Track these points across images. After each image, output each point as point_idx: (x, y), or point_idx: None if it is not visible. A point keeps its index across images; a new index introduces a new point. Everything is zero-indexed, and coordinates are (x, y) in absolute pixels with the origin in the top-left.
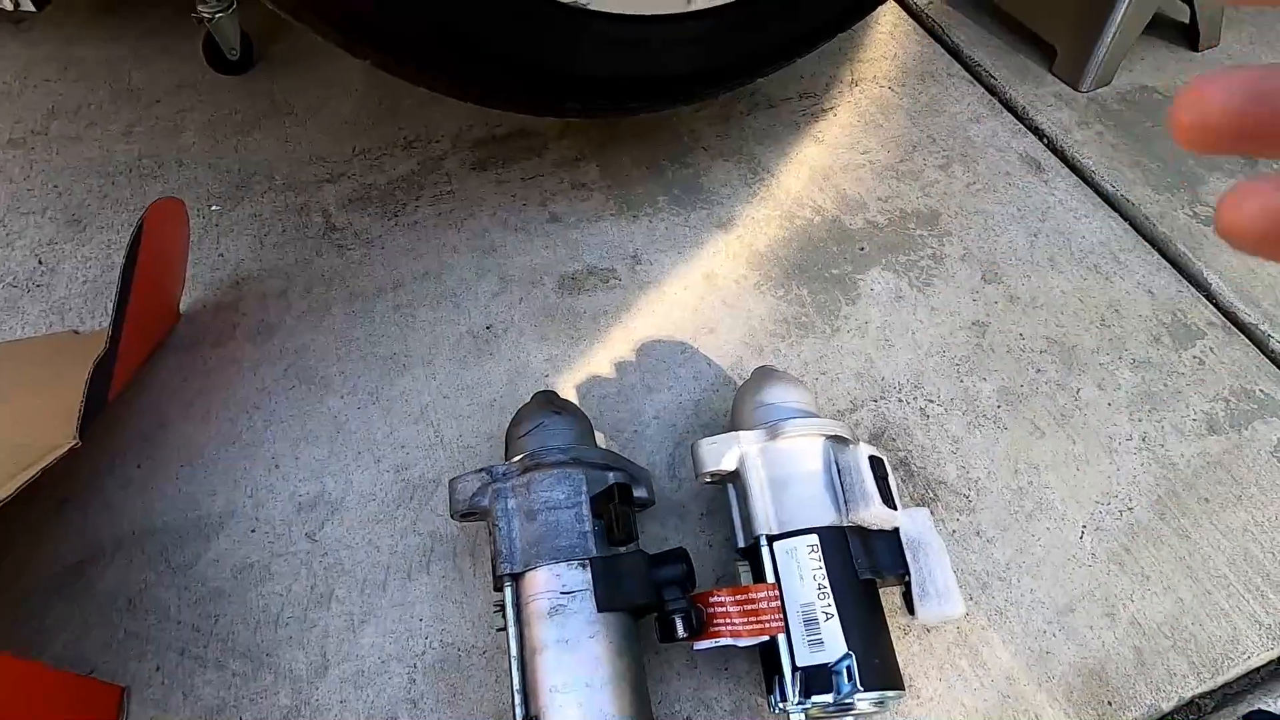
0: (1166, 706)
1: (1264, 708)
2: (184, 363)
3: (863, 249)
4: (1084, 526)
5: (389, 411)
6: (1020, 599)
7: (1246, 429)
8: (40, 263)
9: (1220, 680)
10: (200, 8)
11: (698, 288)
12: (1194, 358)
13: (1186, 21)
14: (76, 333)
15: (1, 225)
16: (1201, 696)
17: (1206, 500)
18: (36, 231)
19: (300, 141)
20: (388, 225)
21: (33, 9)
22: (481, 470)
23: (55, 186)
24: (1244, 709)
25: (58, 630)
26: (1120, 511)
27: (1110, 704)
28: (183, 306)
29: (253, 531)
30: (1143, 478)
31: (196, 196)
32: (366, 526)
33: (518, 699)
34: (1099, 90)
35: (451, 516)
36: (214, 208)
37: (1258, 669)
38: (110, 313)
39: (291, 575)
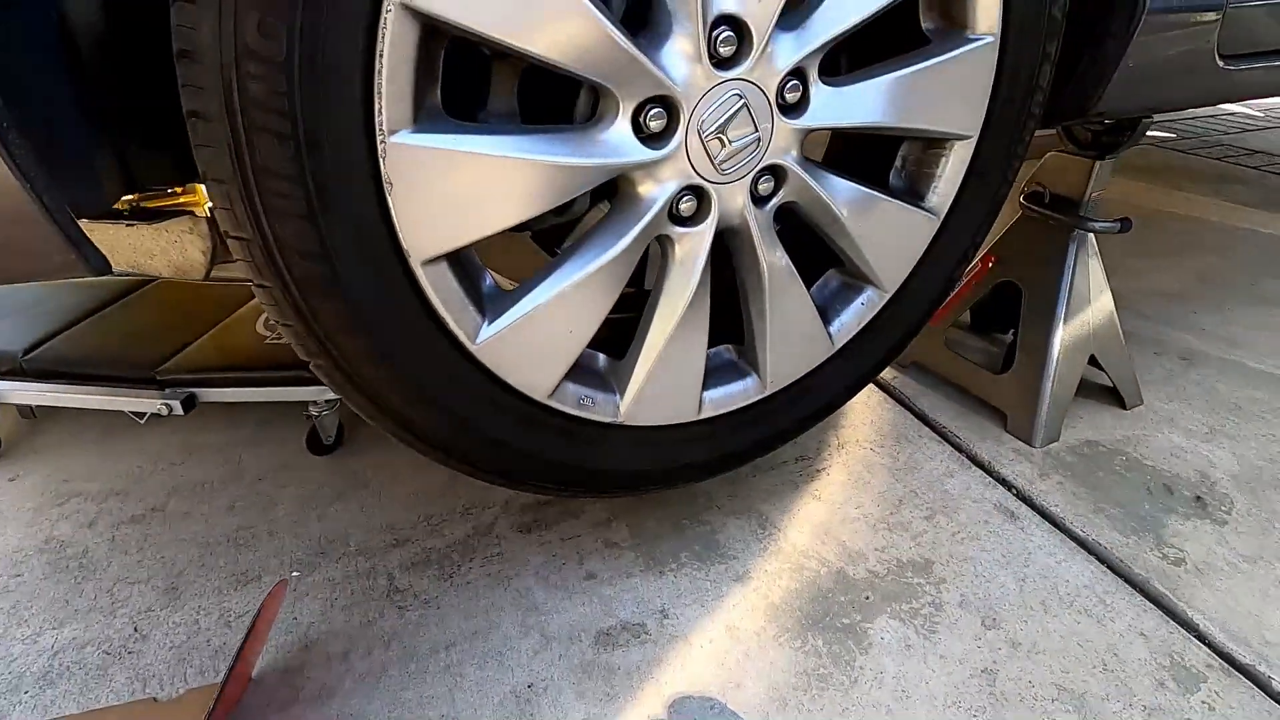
0: None
1: None
2: None
3: (868, 598)
4: None
5: None
6: None
7: None
8: (135, 629)
9: None
10: (311, 407)
11: (721, 641)
12: (1203, 702)
13: (1110, 385)
14: (155, 700)
15: (109, 594)
16: None
17: None
18: (139, 600)
19: (375, 510)
20: (444, 586)
21: (181, 413)
22: None
23: (162, 558)
24: None
25: None
26: None
27: None
28: (254, 671)
29: None
30: None
31: (280, 564)
32: None
33: None
34: (1051, 445)
35: None
36: (294, 573)
37: None
38: (220, 684)
39: None
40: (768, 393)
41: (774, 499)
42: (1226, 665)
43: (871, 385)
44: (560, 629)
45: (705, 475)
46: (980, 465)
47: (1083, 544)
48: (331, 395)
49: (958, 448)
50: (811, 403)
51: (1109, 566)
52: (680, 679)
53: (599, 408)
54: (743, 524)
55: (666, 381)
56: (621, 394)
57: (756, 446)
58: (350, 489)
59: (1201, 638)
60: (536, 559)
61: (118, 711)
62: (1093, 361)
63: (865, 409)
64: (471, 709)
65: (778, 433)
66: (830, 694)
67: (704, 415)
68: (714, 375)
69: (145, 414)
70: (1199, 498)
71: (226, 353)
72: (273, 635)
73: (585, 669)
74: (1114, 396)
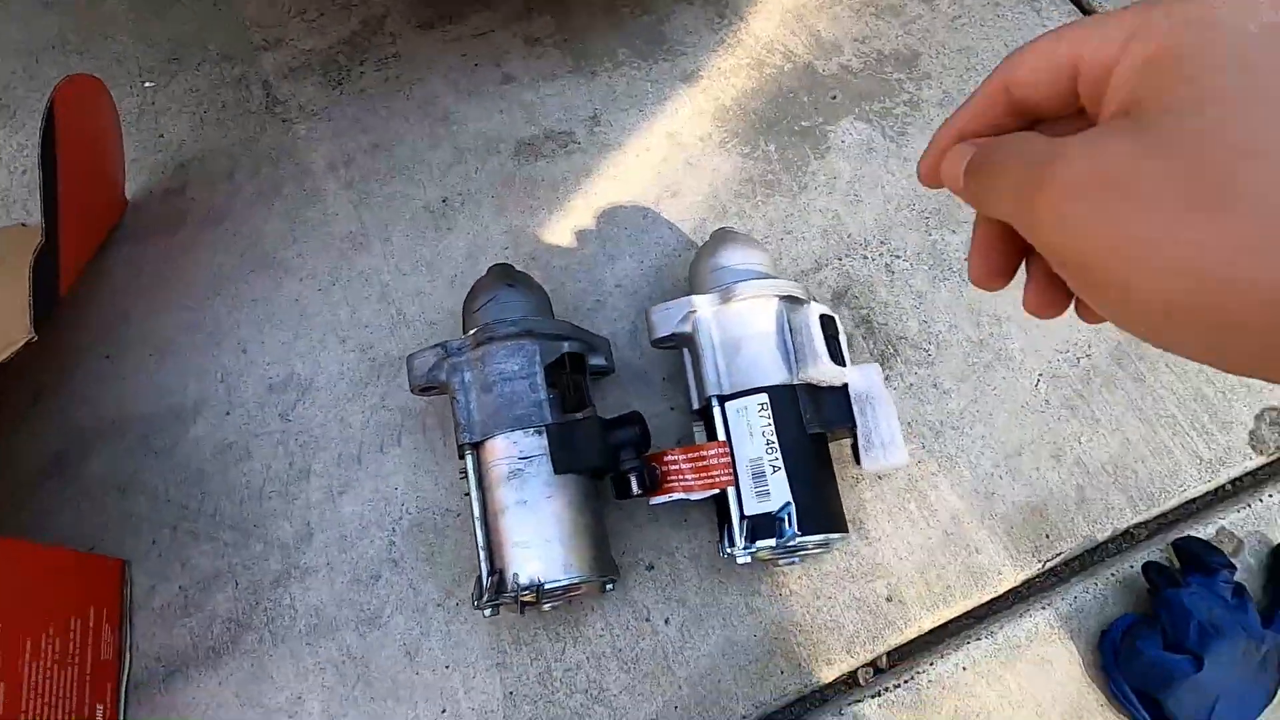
0: (1101, 537)
1: (1193, 534)
2: (137, 253)
3: (835, 97)
4: (1040, 375)
5: (349, 292)
6: (971, 445)
7: None
8: None
9: (1155, 511)
10: None
11: (660, 148)
12: None
13: None
14: (24, 225)
15: None
16: (1136, 527)
17: None
18: None
19: (229, 5)
20: (332, 95)
21: None
22: (436, 346)
23: None
24: (1175, 536)
25: (51, 516)
26: (1078, 359)
27: (1048, 536)
28: (129, 194)
29: (228, 414)
30: (1104, 325)
31: (127, 72)
32: (338, 405)
33: (482, 555)
34: None
35: (412, 391)
36: (147, 84)
37: (1193, 500)
38: (40, 202)
39: (270, 453)
40: None
41: None
42: None
43: None
44: (475, 140)
45: None
46: None
47: None
48: None
49: None
50: None
51: None
52: (611, 189)
53: None
54: (697, 12)
55: None
56: None
57: None
58: None
59: None
60: (443, 60)
61: None
62: None
63: None
64: (381, 225)
65: None
66: (775, 200)
67: None
68: None
69: None
70: None
71: None
72: (140, 154)
73: (505, 182)
74: None
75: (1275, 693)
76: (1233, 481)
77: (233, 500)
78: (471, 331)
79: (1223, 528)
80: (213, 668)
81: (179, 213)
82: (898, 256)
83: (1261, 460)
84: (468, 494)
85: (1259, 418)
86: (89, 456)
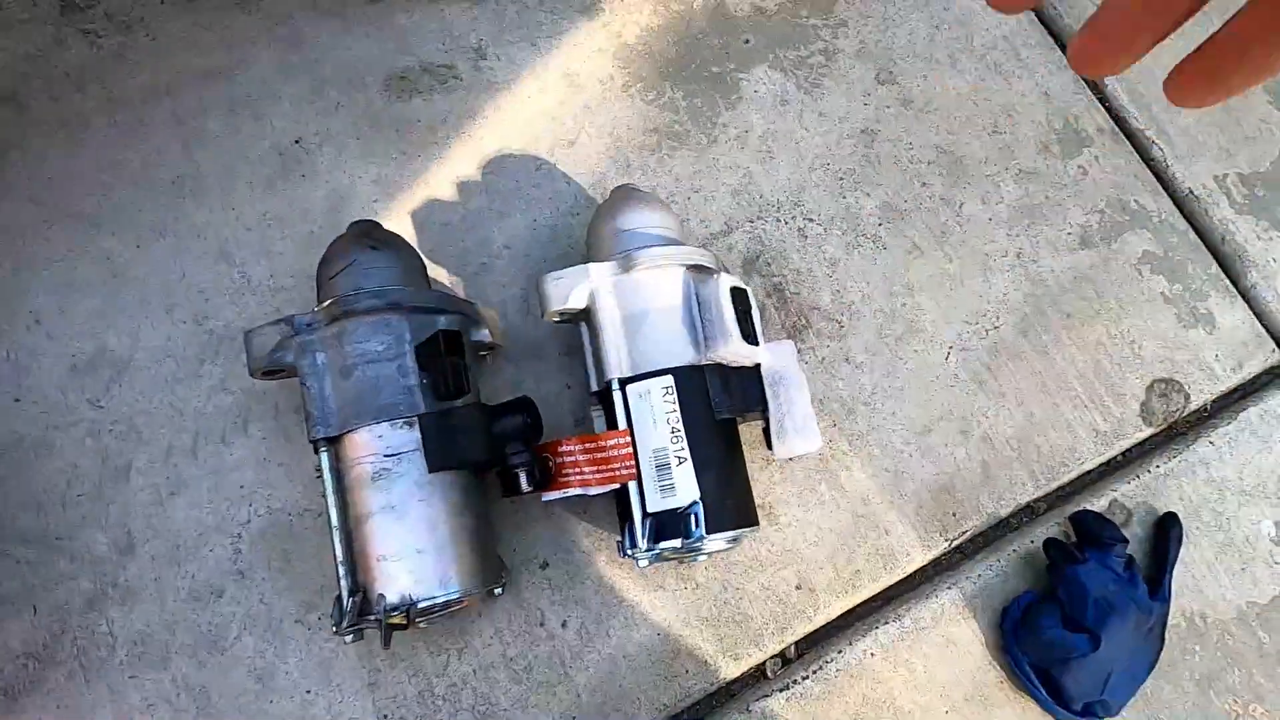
0: (1004, 512)
1: (1088, 507)
2: None
3: (748, 41)
4: (950, 347)
5: (179, 250)
6: (882, 423)
7: (1115, 241)
8: None
9: (1055, 485)
10: None
11: (556, 90)
12: (1079, 167)
13: None
14: None
15: None
16: (1037, 501)
17: (1069, 315)
18: None
19: None
20: (153, 5)
21: None
22: (280, 321)
23: None
24: (1072, 509)
25: None
26: (986, 331)
27: (954, 515)
28: None
29: (17, 401)
30: (1013, 295)
31: None
32: (164, 388)
33: (342, 572)
34: None
35: (251, 375)
36: None
37: (1089, 471)
38: None
39: (76, 449)
40: None
41: None
42: (1116, 130)
43: None
44: (336, 71)
45: None
46: None
47: None
48: None
49: None
50: None
51: (1037, 14)
52: (499, 135)
53: None
54: None
55: None
56: None
57: None
58: None
59: (1104, 100)
60: None
61: None
62: None
63: None
64: (220, 170)
65: None
66: (683, 154)
67: None
68: None
69: None
70: None
71: None
72: None
73: (374, 122)
74: None
75: (1157, 660)
76: (1124, 453)
77: (27, 508)
78: (325, 304)
79: (1115, 499)
80: (7, 713)
81: None
82: (811, 220)
83: (1150, 431)
84: (325, 496)
85: (1149, 389)
86: None
